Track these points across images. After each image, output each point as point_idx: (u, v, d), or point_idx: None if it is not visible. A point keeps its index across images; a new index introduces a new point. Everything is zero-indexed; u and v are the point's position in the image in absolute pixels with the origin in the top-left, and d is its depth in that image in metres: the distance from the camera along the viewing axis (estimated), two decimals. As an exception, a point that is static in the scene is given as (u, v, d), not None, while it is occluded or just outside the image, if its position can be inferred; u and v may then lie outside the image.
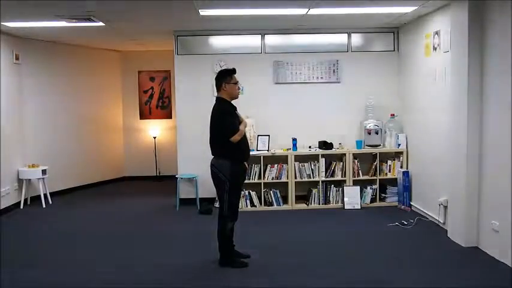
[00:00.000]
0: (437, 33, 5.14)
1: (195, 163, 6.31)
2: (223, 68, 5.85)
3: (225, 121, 3.87)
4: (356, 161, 6.20)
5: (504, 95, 3.91)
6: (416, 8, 5.10)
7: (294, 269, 3.96)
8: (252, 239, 4.72)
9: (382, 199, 6.26)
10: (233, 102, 4.03)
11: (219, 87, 3.99)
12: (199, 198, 6.33)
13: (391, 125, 6.26)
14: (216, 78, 4.02)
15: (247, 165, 4.28)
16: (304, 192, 6.35)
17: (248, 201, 6.12)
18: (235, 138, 3.84)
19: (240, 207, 4.33)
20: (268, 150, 6.17)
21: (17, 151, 6.55)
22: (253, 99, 6.22)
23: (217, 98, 4.01)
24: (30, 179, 6.57)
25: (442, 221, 5.08)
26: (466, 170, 4.36)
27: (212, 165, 3.97)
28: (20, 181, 6.51)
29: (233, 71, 4.00)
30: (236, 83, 3.98)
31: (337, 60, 6.42)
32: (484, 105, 4.25)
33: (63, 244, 4.85)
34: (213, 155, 3.99)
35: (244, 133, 3.99)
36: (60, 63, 7.32)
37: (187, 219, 5.78)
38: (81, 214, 6.18)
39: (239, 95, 4.06)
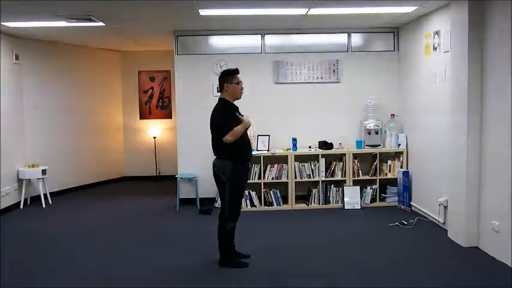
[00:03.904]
0: (437, 33, 5.14)
1: (195, 163, 6.31)
2: (223, 68, 5.90)
3: (220, 121, 3.85)
4: (356, 161, 6.20)
5: (504, 94, 3.91)
6: (416, 8, 5.10)
7: (294, 269, 3.96)
8: (252, 239, 4.72)
9: (382, 199, 6.26)
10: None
11: (221, 88, 3.98)
12: (199, 198, 6.33)
13: (391, 125, 6.26)
14: (219, 79, 4.01)
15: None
16: (304, 192, 6.35)
17: (248, 201, 6.13)
18: (227, 138, 3.79)
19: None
20: (268, 150, 6.17)
21: (17, 151, 6.55)
22: (253, 99, 6.21)
23: (219, 99, 4.00)
24: (30, 179, 6.57)
25: (442, 221, 5.08)
26: (466, 170, 4.36)
27: (214, 166, 3.96)
28: (20, 181, 6.51)
29: (236, 71, 3.98)
30: (238, 83, 3.95)
31: (337, 60, 6.42)
32: (484, 105, 4.25)
33: (63, 244, 4.84)
34: (214, 155, 3.99)
35: (246, 133, 3.97)
36: (60, 63, 7.32)
37: (187, 219, 5.78)
38: (81, 214, 6.18)
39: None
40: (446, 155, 4.85)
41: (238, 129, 3.82)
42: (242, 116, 3.96)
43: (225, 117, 3.85)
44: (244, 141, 3.93)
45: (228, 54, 6.38)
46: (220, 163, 3.91)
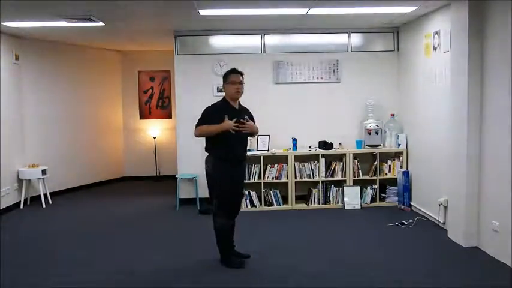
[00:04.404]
0: (437, 33, 5.14)
1: (195, 163, 6.30)
2: (223, 67, 5.94)
3: (201, 115, 3.96)
4: (356, 161, 6.20)
5: (504, 94, 3.91)
6: (416, 8, 5.10)
7: (294, 269, 3.96)
8: (252, 239, 4.72)
9: (382, 199, 6.26)
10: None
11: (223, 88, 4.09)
12: (199, 198, 6.33)
13: (391, 125, 6.27)
14: None
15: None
16: (304, 192, 6.35)
17: (248, 201, 6.12)
18: (195, 132, 3.93)
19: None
20: (268, 150, 6.17)
21: (17, 151, 6.55)
22: (253, 99, 6.18)
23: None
24: (30, 179, 6.57)
25: (442, 221, 5.08)
26: (466, 170, 4.36)
27: (205, 162, 4.05)
28: (20, 181, 6.51)
29: (231, 70, 3.99)
30: (231, 82, 3.90)
31: (337, 60, 6.42)
32: (484, 105, 4.25)
33: (63, 244, 4.84)
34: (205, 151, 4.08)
35: (241, 135, 3.94)
36: (60, 63, 7.32)
37: (187, 219, 5.78)
38: (81, 214, 6.18)
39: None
40: (446, 154, 4.85)
41: (206, 127, 3.87)
42: (247, 121, 3.91)
43: (206, 113, 3.95)
44: (229, 141, 3.86)
45: (228, 54, 6.38)
46: (207, 159, 4.02)
